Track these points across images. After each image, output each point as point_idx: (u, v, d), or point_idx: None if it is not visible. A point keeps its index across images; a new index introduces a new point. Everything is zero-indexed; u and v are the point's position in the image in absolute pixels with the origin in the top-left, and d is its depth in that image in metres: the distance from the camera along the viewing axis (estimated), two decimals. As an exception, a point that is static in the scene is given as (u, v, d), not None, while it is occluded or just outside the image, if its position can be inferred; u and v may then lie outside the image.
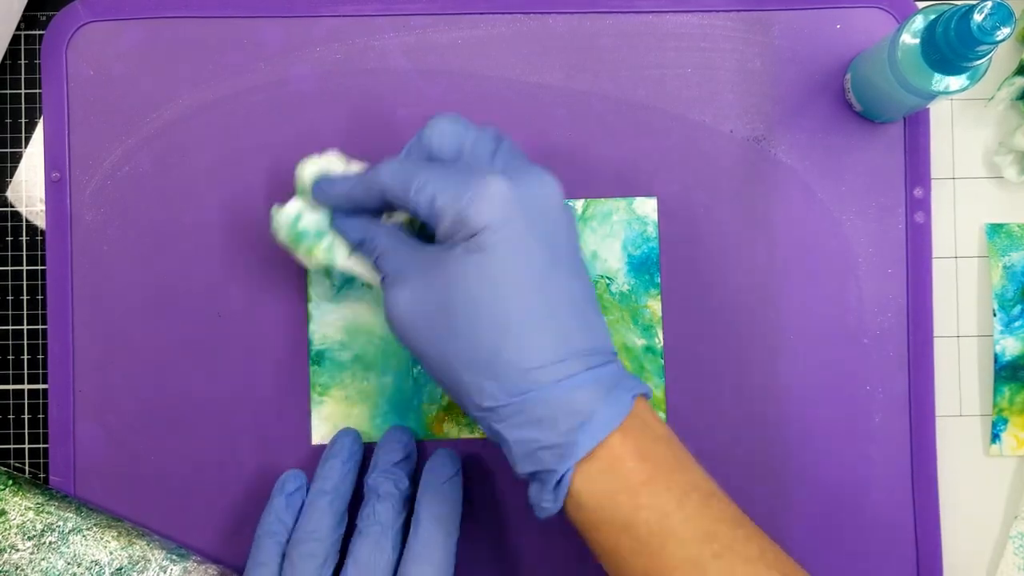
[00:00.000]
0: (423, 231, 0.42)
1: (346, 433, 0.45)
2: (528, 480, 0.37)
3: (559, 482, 0.35)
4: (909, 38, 0.40)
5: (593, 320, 0.37)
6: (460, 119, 0.39)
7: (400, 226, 0.41)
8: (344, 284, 0.47)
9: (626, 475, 0.35)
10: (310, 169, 0.41)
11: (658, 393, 0.47)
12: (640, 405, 0.37)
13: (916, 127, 0.48)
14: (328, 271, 0.46)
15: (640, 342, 0.47)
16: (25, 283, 0.47)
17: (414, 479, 0.44)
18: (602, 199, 0.47)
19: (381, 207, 0.40)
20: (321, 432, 0.47)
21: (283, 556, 0.42)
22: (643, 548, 0.35)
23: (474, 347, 0.36)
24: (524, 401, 0.35)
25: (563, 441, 0.35)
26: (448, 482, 0.43)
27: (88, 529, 0.45)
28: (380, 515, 0.42)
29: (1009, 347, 0.48)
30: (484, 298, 0.35)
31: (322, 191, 0.41)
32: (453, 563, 0.42)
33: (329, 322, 0.47)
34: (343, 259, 0.42)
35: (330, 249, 0.41)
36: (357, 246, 0.41)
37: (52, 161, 0.47)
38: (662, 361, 0.47)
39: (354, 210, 0.41)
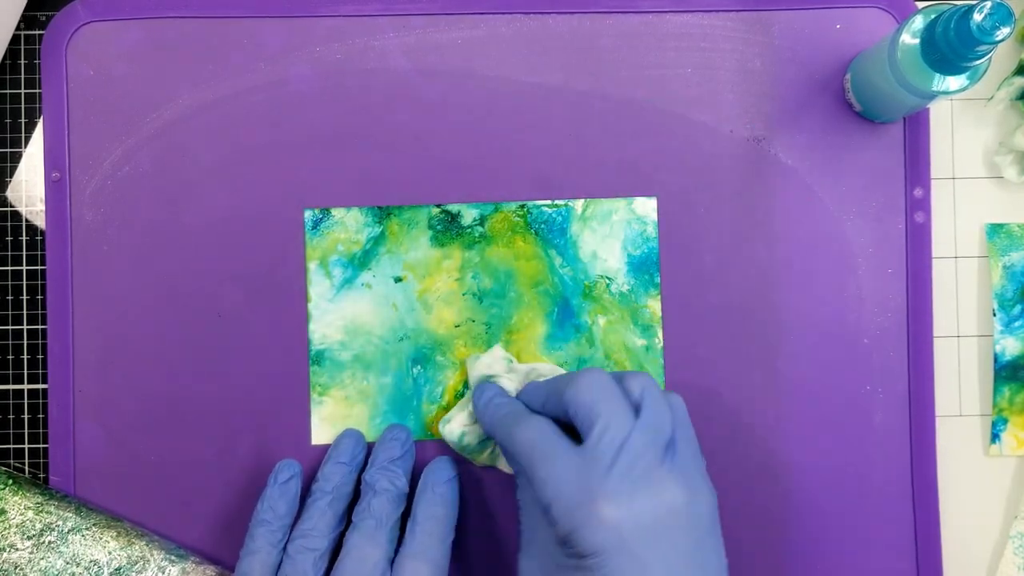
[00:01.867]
0: None
1: (348, 435, 0.45)
2: None
3: None
4: (909, 38, 0.40)
5: None
6: (607, 384, 0.37)
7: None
8: (344, 284, 0.47)
9: None
10: (475, 372, 0.45)
11: (658, 393, 0.47)
12: None
13: (916, 127, 0.48)
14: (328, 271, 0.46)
15: (640, 342, 0.47)
16: (25, 283, 0.47)
17: (412, 477, 0.44)
18: (602, 199, 0.47)
19: None
20: (321, 432, 0.47)
21: (275, 545, 0.42)
22: None
23: None
24: None
25: None
26: (446, 484, 0.43)
27: (87, 529, 0.45)
28: (375, 510, 0.42)
29: (1009, 347, 0.48)
30: None
31: (478, 412, 0.43)
32: (447, 563, 0.42)
33: (329, 322, 0.47)
34: (505, 465, 0.45)
35: (492, 454, 0.45)
36: None
37: (52, 161, 0.47)
38: (662, 361, 0.47)
39: None
